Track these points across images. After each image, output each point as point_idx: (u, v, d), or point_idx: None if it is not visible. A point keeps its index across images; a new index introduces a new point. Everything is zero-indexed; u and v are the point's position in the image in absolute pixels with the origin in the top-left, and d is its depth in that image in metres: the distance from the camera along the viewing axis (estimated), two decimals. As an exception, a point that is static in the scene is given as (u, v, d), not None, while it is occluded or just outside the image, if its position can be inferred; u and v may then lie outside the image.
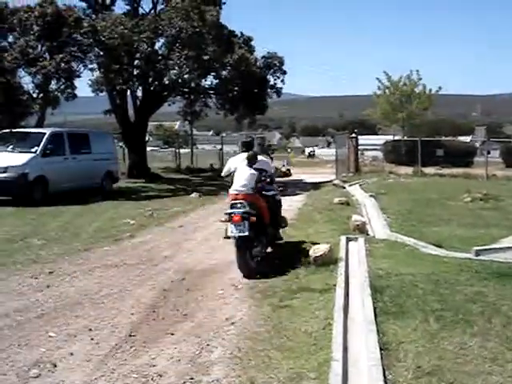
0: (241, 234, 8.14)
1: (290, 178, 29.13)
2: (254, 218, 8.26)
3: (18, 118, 23.59)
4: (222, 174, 10.27)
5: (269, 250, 9.43)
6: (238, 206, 8.41)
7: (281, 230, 9.95)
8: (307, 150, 74.80)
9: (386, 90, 47.18)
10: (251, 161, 9.10)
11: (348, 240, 9.74)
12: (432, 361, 4.68)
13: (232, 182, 9.02)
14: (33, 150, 17.53)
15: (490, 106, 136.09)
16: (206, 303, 6.88)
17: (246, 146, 10.02)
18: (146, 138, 31.04)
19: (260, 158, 9.52)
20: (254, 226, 8.27)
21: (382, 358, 4.62)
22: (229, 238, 8.56)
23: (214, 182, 25.93)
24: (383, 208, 15.00)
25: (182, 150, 37.17)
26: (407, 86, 46.49)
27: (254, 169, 8.98)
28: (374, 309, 5.80)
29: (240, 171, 8.96)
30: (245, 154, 9.35)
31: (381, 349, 4.78)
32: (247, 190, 8.62)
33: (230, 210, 8.41)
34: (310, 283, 7.30)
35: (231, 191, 8.83)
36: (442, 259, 8.55)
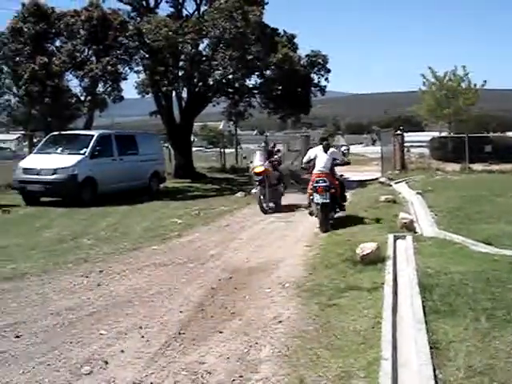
0: (323, 201, 11.67)
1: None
2: (333, 191, 11.94)
3: (67, 120, 24.05)
4: (304, 161, 13.17)
5: (339, 214, 12.85)
6: (321, 181, 11.85)
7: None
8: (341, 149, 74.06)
9: (432, 86, 46.46)
10: (326, 149, 12.59)
11: (395, 238, 9.64)
12: (483, 360, 4.60)
13: (313, 166, 12.43)
14: (81, 151, 17.89)
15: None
16: (253, 302, 6.91)
17: (322, 140, 13.44)
18: (192, 139, 31.29)
19: (332, 149, 12.97)
20: (331, 196, 11.84)
21: (432, 357, 4.57)
22: (311, 214, 12.45)
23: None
24: (431, 205, 14.79)
25: (226, 150, 37.36)
26: (452, 81, 45.71)
27: (329, 154, 12.46)
28: (424, 307, 5.74)
29: (320, 157, 12.39)
30: (320, 146, 12.74)
31: (431, 348, 4.73)
32: (326, 169, 12.19)
33: (315, 184, 11.88)
34: (358, 282, 7.26)
35: (315, 171, 12.24)
36: (492, 257, 8.38)
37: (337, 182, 12.50)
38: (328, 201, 11.70)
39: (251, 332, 5.79)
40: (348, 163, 14.02)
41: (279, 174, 15.95)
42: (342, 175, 13.89)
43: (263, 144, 18.35)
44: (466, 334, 5.16)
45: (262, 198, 14.84)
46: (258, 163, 15.10)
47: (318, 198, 11.77)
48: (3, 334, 5.89)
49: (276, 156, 16.30)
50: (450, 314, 5.69)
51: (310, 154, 12.82)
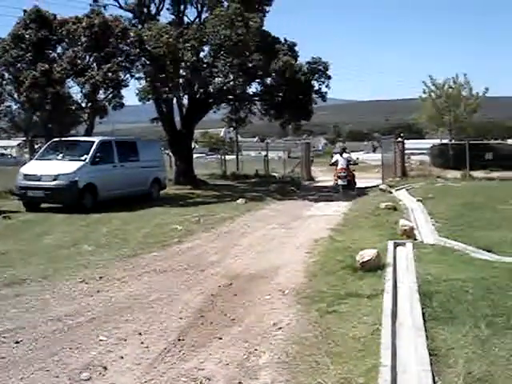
0: (343, 183, 21.79)
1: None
2: (349, 178, 21.88)
3: (68, 127, 24.11)
4: (331, 162, 23.77)
5: (352, 192, 21.87)
6: (342, 173, 21.90)
7: (327, 233, 12.59)
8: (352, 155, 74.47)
9: (432, 94, 46.59)
10: (342, 153, 23.05)
11: (396, 245, 9.64)
12: (483, 367, 4.60)
13: (337, 165, 22.51)
14: (82, 158, 17.90)
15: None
16: (253, 308, 6.91)
17: (341, 149, 24.82)
18: (192, 145, 31.32)
19: (346, 154, 23.24)
20: (348, 181, 21.58)
21: (431, 363, 4.57)
22: (336, 191, 22.26)
23: (259, 188, 26.03)
24: (431, 213, 14.80)
25: (227, 157, 37.39)
26: (453, 88, 45.83)
27: (344, 158, 22.50)
28: (423, 314, 5.74)
29: (340, 159, 22.50)
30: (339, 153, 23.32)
31: (430, 354, 4.73)
32: (344, 166, 22.12)
33: (338, 174, 22.06)
34: (358, 288, 7.26)
35: (338, 167, 22.29)
36: (492, 264, 8.38)
37: (351, 174, 22.48)
38: (346, 183, 22.01)
39: (251, 338, 5.79)
40: (356, 163, 24.58)
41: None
42: (354, 170, 23.16)
43: (341, 148, 26.52)
44: (466, 341, 5.16)
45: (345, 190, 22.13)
46: (342, 163, 22.46)
47: (340, 182, 22.10)
48: (3, 339, 5.88)
49: (351, 159, 23.82)
50: (450, 321, 5.68)
51: (334, 158, 23.30)
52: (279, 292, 7.54)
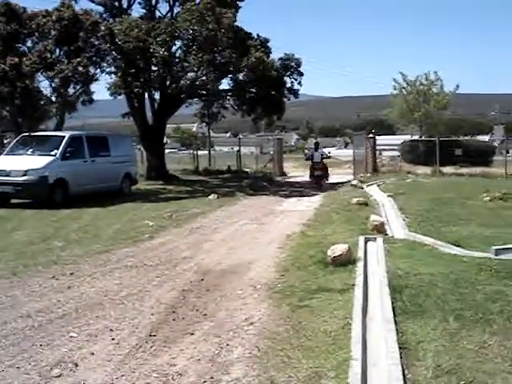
0: (318, 174, 25.12)
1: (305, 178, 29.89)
2: (323, 169, 25.39)
3: (38, 121, 23.84)
4: (306, 157, 32.24)
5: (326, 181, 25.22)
6: (317, 165, 25.32)
7: (299, 228, 12.51)
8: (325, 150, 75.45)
9: (403, 90, 47.01)
10: (316, 148, 26.77)
11: (366, 240, 9.71)
12: (451, 360, 4.66)
13: (312, 159, 26.06)
14: (52, 153, 17.71)
15: (509, 104, 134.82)
16: (225, 303, 6.91)
17: (315, 144, 28.74)
18: (164, 141, 31.18)
19: (320, 150, 26.74)
20: (322, 172, 25.21)
21: (401, 357, 4.61)
22: (311, 178, 25.82)
23: (232, 183, 26.04)
24: (401, 208, 14.95)
25: (199, 152, 37.31)
26: (424, 85, 46.30)
27: (319, 152, 26.19)
28: (393, 308, 5.79)
29: (315, 154, 25.94)
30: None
31: (400, 348, 4.77)
32: (319, 159, 25.54)
33: (315, 166, 25.36)
34: (329, 283, 7.30)
35: (314, 161, 25.73)
36: (461, 259, 8.50)
37: (325, 166, 25.90)
38: (321, 173, 25.26)
39: (222, 334, 5.79)
40: (329, 157, 29.10)
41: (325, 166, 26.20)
42: (326, 163, 26.57)
43: (314, 145, 29.33)
44: (435, 334, 5.22)
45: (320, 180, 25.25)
46: (317, 157, 25.86)
47: (316, 173, 25.25)
48: (-29, 337, 5.81)
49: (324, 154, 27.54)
50: (420, 315, 5.75)
51: (310, 153, 28.31)
52: (251, 287, 7.55)
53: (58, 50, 22.67)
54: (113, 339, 5.72)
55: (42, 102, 23.28)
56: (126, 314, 6.55)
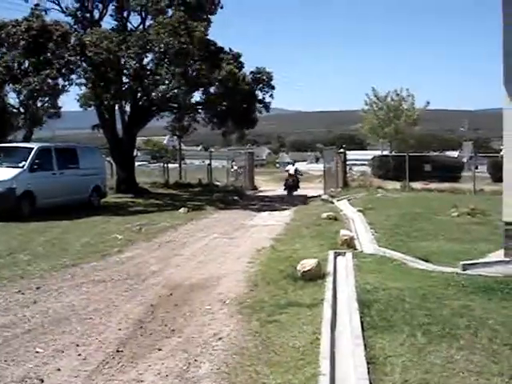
0: (290, 184, 27.55)
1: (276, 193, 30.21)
2: (294, 181, 27.71)
3: (5, 132, 23.48)
4: (285, 169, 30.27)
5: (296, 192, 27.55)
6: (290, 177, 27.80)
7: (269, 243, 12.57)
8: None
9: (374, 105, 47.50)
10: (293, 164, 32.33)
11: (336, 255, 9.76)
12: (419, 374, 4.69)
13: (288, 171, 28.53)
14: (20, 164, 17.45)
15: (477, 120, 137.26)
16: (193, 318, 6.87)
17: (293, 161, 42.48)
18: (134, 153, 30.97)
19: (295, 166, 30.33)
20: (294, 183, 27.64)
21: (369, 372, 4.63)
22: (285, 186, 28.21)
23: (202, 197, 25.94)
24: (371, 223, 15.07)
25: (170, 165, 37.11)
26: (395, 101, 46.84)
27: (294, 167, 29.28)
28: (362, 323, 5.82)
29: (291, 168, 28.61)
30: (290, 164, 32.36)
31: (368, 363, 4.79)
32: (293, 172, 27.92)
33: (288, 178, 27.90)
34: (298, 298, 7.32)
35: (290, 172, 27.93)
36: (429, 274, 8.59)
37: (296, 179, 27.85)
38: (292, 184, 27.47)
39: (191, 349, 5.75)
40: (301, 175, 29.66)
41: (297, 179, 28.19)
42: (297, 177, 28.37)
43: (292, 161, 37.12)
44: (403, 349, 5.26)
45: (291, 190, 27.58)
46: (291, 171, 28.07)
47: (288, 183, 27.54)
48: None
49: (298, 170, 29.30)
50: (388, 330, 5.78)
51: (287, 167, 30.09)
52: (220, 302, 7.52)
53: (26, 62, 22.37)
54: (79, 355, 5.63)
55: (9, 115, 22.93)
56: (93, 329, 6.46)
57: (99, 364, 5.39)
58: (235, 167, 37.04)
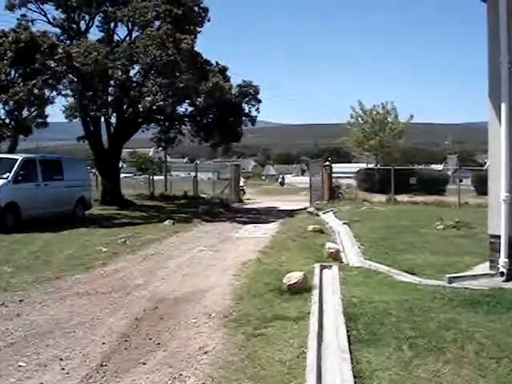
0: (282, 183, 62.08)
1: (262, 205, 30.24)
2: (281, 183, 58.19)
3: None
4: (279, 181, 61.32)
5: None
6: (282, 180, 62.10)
7: (255, 256, 12.54)
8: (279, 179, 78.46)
9: (359, 119, 47.75)
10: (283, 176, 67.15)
11: (322, 268, 9.74)
12: (406, 389, 4.67)
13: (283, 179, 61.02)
14: (4, 176, 17.29)
15: (462, 134, 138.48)
16: (178, 332, 6.81)
17: (284, 174, 71.67)
18: (120, 165, 30.87)
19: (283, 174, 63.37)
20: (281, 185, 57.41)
21: (355, 386, 4.60)
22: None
23: (188, 209, 25.86)
24: (357, 236, 15.08)
25: (155, 177, 37.05)
26: (380, 114, 47.11)
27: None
28: (348, 337, 5.78)
29: (285, 177, 63.85)
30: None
31: (355, 377, 4.76)
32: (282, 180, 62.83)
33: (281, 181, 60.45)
34: (284, 311, 7.27)
35: (279, 181, 61.48)
36: (415, 286, 8.59)
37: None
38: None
39: (176, 363, 5.68)
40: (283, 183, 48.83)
41: None
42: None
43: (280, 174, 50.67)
44: (389, 363, 5.23)
45: None
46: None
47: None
48: None
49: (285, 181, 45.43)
50: (374, 343, 5.75)
51: (280, 179, 59.46)
52: (205, 315, 7.46)
53: (13, 72, 22.29)
54: (63, 369, 5.56)
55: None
56: (76, 342, 6.38)
57: (83, 378, 5.32)
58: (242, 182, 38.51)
